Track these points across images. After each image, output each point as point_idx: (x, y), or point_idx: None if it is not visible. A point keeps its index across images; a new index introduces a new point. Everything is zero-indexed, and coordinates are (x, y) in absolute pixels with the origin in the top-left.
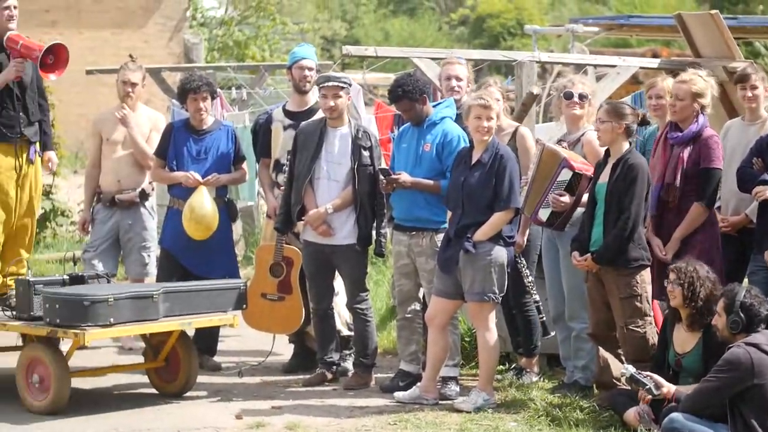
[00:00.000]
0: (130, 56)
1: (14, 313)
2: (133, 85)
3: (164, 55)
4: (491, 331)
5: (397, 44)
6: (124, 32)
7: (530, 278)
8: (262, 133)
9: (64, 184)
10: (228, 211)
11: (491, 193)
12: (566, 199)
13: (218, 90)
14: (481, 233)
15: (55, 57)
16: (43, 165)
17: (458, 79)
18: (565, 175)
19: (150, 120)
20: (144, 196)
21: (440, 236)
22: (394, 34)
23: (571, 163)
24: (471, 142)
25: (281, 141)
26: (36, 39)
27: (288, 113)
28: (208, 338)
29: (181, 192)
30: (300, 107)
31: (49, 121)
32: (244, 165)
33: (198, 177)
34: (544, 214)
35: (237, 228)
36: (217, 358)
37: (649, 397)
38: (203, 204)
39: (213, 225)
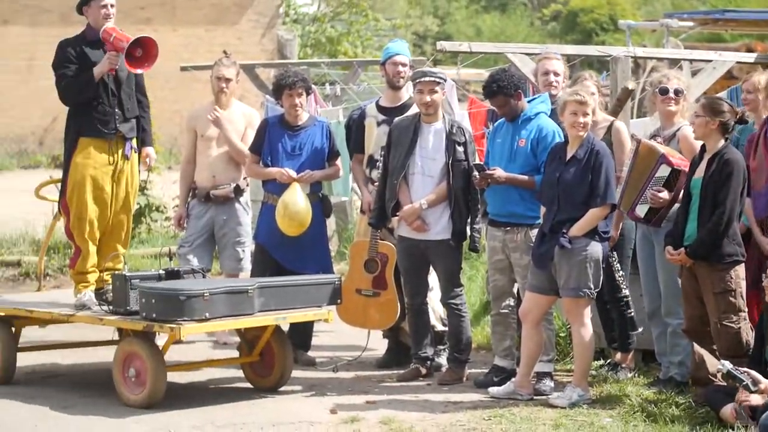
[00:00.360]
0: (224, 52)
1: (111, 307)
2: (228, 80)
3: (257, 52)
4: (586, 327)
5: (488, 40)
6: (218, 29)
7: (621, 273)
8: (355, 128)
9: (158, 180)
10: (322, 206)
11: (587, 189)
12: (665, 195)
13: (313, 86)
14: (577, 229)
15: (144, 51)
16: (141, 161)
17: (555, 74)
18: (664, 171)
19: (245, 116)
20: (239, 191)
21: (535, 231)
22: (485, 29)
23: (669, 159)
24: (566, 137)
25: (375, 137)
26: (130, 35)
27: (381, 109)
28: (302, 333)
29: (275, 188)
30: (393, 103)
31: (148, 117)
32: (338, 161)
33: (292, 173)
34: (641, 210)
35: (330, 223)
36: (311, 353)
37: (747, 393)
38: (296, 201)
39: (306, 221)
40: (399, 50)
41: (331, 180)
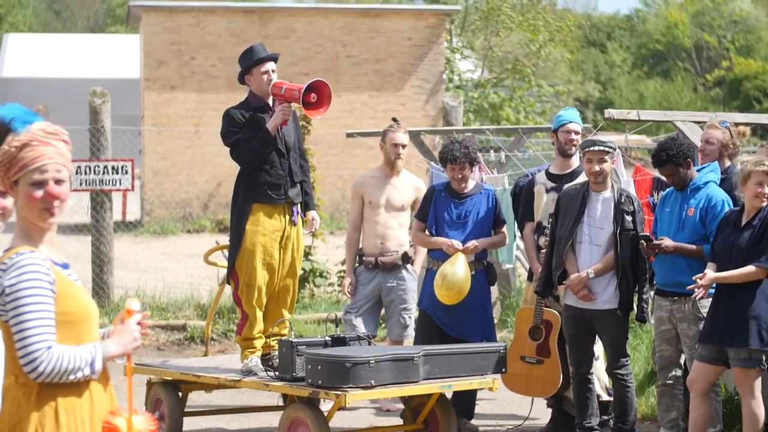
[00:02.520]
0: (394, 119)
1: (277, 373)
2: (403, 146)
3: (420, 118)
4: (757, 400)
5: (651, 106)
6: (382, 95)
7: None
8: (524, 195)
9: (321, 245)
10: (487, 274)
11: (758, 252)
12: None
13: (479, 157)
14: (730, 276)
15: (317, 94)
16: (305, 225)
17: (708, 142)
18: None
19: (414, 188)
20: (406, 258)
21: (703, 301)
22: (648, 95)
23: None
24: (739, 204)
25: (543, 204)
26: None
27: (551, 176)
28: (466, 401)
29: (440, 255)
30: (563, 170)
31: (310, 181)
32: (504, 228)
33: (458, 245)
34: None
35: (493, 291)
36: (474, 422)
37: None
38: (456, 271)
39: (464, 291)
40: (572, 118)
41: (497, 248)
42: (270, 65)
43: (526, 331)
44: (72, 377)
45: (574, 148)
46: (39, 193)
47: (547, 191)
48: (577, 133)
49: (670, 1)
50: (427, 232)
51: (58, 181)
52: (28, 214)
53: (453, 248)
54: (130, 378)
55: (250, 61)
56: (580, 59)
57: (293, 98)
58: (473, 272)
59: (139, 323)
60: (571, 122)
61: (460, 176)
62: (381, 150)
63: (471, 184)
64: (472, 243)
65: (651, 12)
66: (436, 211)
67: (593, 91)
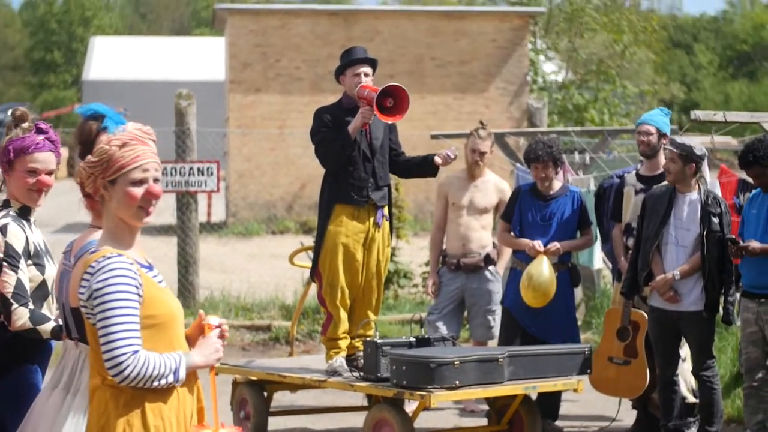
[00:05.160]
0: (481, 123)
1: (362, 374)
2: (482, 154)
3: (504, 119)
4: None
5: (736, 108)
6: (466, 97)
7: None
8: (614, 196)
9: (406, 247)
10: (570, 276)
11: None
12: None
13: (563, 157)
14: None
15: (395, 101)
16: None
17: None
18: None
19: (497, 190)
20: (488, 260)
21: None
22: (734, 97)
23: None
24: None
25: (632, 205)
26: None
27: (640, 177)
28: (550, 402)
29: (524, 256)
30: (652, 171)
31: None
32: (590, 230)
33: (540, 247)
34: None
35: (578, 292)
36: (559, 423)
37: None
38: (542, 272)
39: (550, 293)
40: (645, 119)
41: (581, 250)
42: (364, 68)
43: (613, 331)
44: (156, 383)
45: (647, 149)
46: (140, 191)
47: (636, 193)
48: (649, 133)
49: (757, 1)
50: (512, 233)
51: (155, 180)
52: (125, 213)
53: (535, 250)
54: (214, 391)
55: (346, 60)
56: (666, 60)
57: (372, 101)
58: (557, 274)
59: (220, 336)
60: (643, 123)
61: (543, 176)
62: (465, 151)
63: (557, 186)
64: (554, 245)
65: (737, 13)
66: (521, 211)
67: (678, 93)
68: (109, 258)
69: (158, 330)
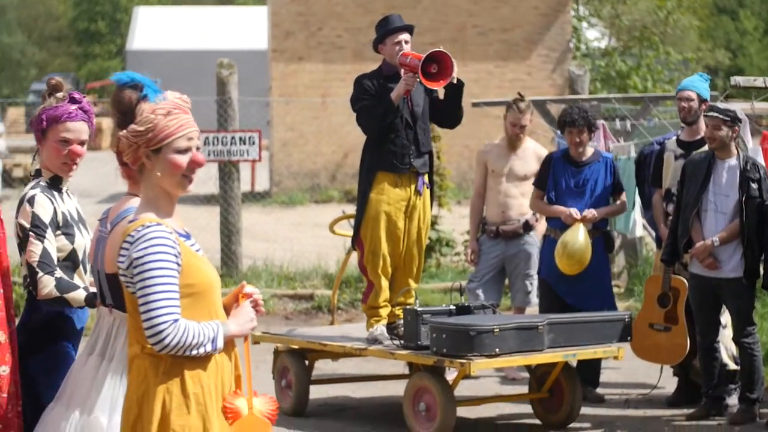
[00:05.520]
0: (519, 94)
1: (402, 342)
2: (523, 127)
3: (546, 87)
4: None
5: None
6: (508, 65)
7: None
8: (654, 162)
9: (448, 215)
10: (605, 242)
11: None
12: None
13: (600, 122)
14: None
15: (439, 67)
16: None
17: None
18: None
19: (537, 158)
20: (528, 227)
21: None
22: None
23: None
24: None
25: (671, 170)
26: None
27: (681, 143)
28: (591, 370)
29: (558, 223)
30: (692, 137)
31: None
32: (623, 196)
33: (577, 214)
34: None
35: (619, 260)
36: (599, 390)
37: None
38: (577, 239)
39: (585, 260)
40: (686, 85)
41: (615, 216)
42: (404, 36)
43: (654, 298)
44: (194, 352)
45: (689, 115)
46: (185, 159)
47: (676, 158)
48: (690, 99)
49: None
50: (545, 200)
51: (198, 149)
52: (169, 181)
53: (572, 217)
54: (249, 360)
55: (384, 30)
56: (711, 27)
57: (414, 67)
58: (591, 240)
59: (253, 305)
60: (684, 89)
61: (578, 140)
62: (504, 121)
63: (589, 151)
64: (590, 212)
65: None
66: (554, 178)
67: (723, 59)
68: (148, 227)
69: (197, 298)
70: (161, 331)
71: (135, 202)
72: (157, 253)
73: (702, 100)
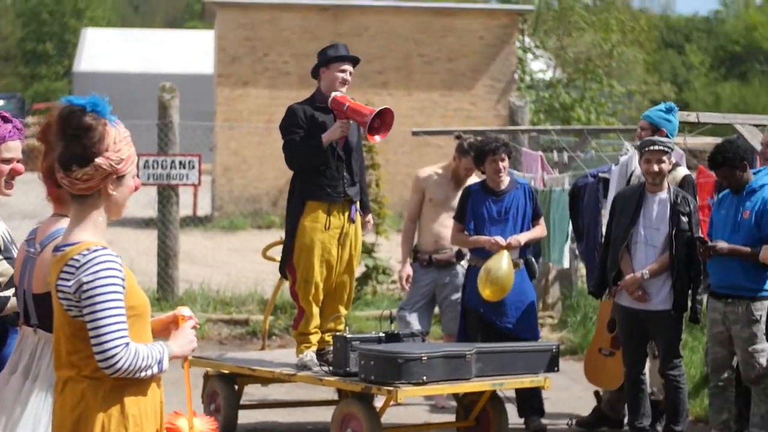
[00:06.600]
0: (457, 137)
1: (331, 368)
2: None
3: (491, 117)
4: None
5: (727, 109)
6: (453, 94)
7: None
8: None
9: (385, 243)
10: (528, 269)
11: None
12: None
13: (538, 153)
14: None
15: (380, 120)
16: (364, 227)
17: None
18: None
19: None
20: (460, 255)
21: (756, 304)
22: (724, 98)
23: None
24: None
25: None
26: (365, 99)
27: None
28: (534, 399)
29: (482, 253)
30: None
31: (365, 181)
32: (541, 221)
33: (502, 241)
34: None
35: (554, 291)
36: (544, 420)
37: None
38: (500, 266)
39: (508, 287)
40: (644, 114)
41: (537, 240)
42: (348, 66)
43: (605, 323)
44: (143, 374)
45: None
46: (136, 181)
47: None
48: (643, 129)
49: (751, 2)
50: (466, 233)
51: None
52: (121, 206)
53: (498, 245)
54: (188, 381)
55: (332, 55)
56: (657, 60)
57: (358, 120)
58: (518, 269)
59: (192, 328)
60: (642, 119)
61: (500, 168)
62: (454, 161)
63: (507, 180)
64: (514, 238)
65: (730, 13)
66: (474, 210)
67: (669, 93)
68: (96, 251)
69: (136, 320)
70: (114, 355)
71: (64, 222)
72: (108, 277)
73: (655, 130)
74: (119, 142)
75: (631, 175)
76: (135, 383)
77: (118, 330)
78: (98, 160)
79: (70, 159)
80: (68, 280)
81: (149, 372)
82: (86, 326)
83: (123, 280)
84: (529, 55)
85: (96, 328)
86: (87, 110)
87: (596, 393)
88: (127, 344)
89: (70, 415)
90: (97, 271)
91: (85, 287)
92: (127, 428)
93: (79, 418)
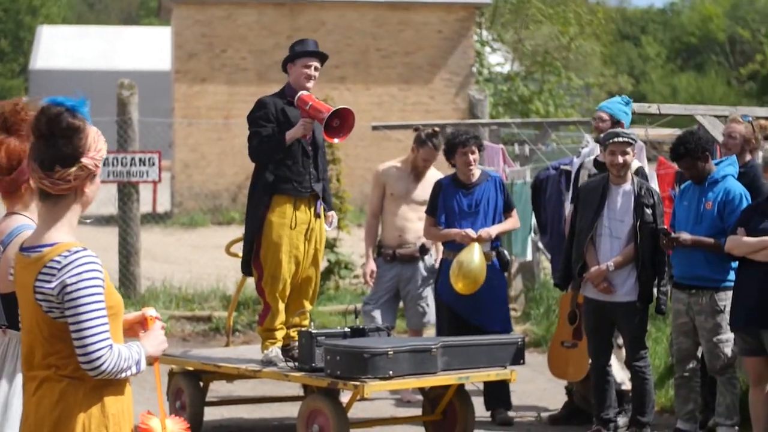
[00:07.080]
0: (415, 129)
1: (297, 364)
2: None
3: (449, 111)
4: None
5: (684, 100)
6: (411, 88)
7: None
8: (573, 180)
9: (347, 238)
10: (500, 261)
11: None
12: None
13: (500, 147)
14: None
15: (341, 120)
16: (326, 221)
17: (731, 136)
18: None
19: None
20: (424, 250)
21: (721, 294)
22: (681, 89)
23: None
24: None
25: None
26: (324, 94)
27: (598, 164)
28: (502, 391)
29: (454, 245)
30: None
31: (327, 177)
32: (514, 213)
33: (473, 234)
34: None
35: (517, 284)
36: (511, 413)
37: None
38: (472, 259)
39: (480, 279)
40: (601, 106)
41: (508, 232)
42: (315, 63)
43: (565, 316)
44: (123, 375)
45: (600, 135)
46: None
47: (590, 177)
48: (602, 120)
49: None
50: (438, 226)
51: None
52: (86, 206)
53: (468, 237)
54: (159, 381)
55: (300, 50)
56: (614, 53)
57: (317, 118)
58: (489, 262)
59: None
60: (599, 110)
61: (470, 160)
62: (412, 152)
63: (477, 173)
64: (485, 231)
65: (685, 5)
66: (445, 203)
67: (626, 85)
68: (77, 252)
69: (113, 320)
70: (99, 357)
71: (20, 220)
72: (91, 279)
73: (615, 122)
74: (98, 141)
75: (581, 166)
76: (114, 383)
77: (102, 332)
78: (84, 160)
79: (54, 159)
80: (49, 282)
81: (129, 373)
82: (68, 327)
83: (103, 281)
84: (487, 49)
85: (79, 330)
86: (74, 111)
87: (567, 388)
88: (111, 346)
89: (49, 414)
90: (80, 273)
91: (68, 289)
92: (107, 427)
93: (59, 417)
